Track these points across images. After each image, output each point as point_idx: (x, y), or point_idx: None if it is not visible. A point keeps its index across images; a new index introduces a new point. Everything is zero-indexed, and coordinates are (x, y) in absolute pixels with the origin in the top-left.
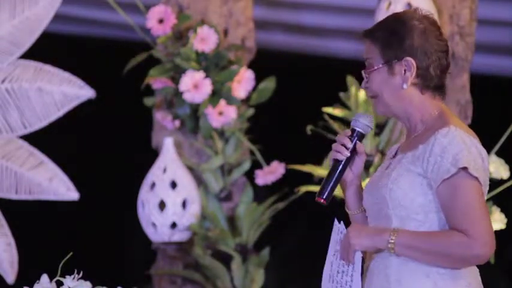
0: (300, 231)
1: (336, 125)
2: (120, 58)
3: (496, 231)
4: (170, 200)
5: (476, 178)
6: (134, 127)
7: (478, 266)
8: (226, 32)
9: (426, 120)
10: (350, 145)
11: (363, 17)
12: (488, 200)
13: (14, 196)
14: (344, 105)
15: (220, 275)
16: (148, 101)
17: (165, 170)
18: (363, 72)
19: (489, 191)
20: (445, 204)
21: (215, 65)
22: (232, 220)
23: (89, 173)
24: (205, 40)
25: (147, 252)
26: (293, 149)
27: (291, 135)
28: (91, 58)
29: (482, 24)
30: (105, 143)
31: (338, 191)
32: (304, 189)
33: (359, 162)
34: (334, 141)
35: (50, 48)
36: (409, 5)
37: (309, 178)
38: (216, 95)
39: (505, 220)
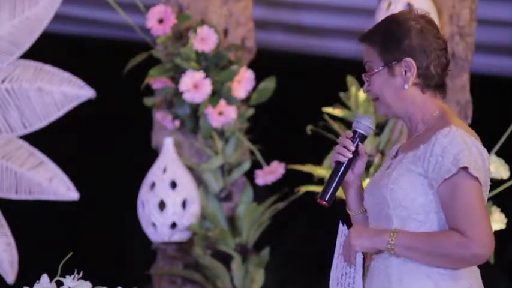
0: (300, 231)
1: (336, 125)
2: (120, 58)
3: (496, 231)
4: (170, 200)
5: (477, 178)
6: (134, 127)
7: (477, 266)
8: (226, 32)
9: (427, 120)
10: (352, 147)
11: (363, 17)
12: (488, 200)
13: (14, 196)
14: (344, 105)
15: (220, 275)
16: (148, 101)
17: (165, 170)
18: (363, 76)
19: (489, 191)
20: (445, 204)
21: (215, 65)
22: (232, 220)
23: (89, 173)
24: (205, 40)
25: (147, 252)
26: (293, 149)
27: (291, 135)
28: (91, 58)
29: (482, 24)
30: (105, 143)
31: (339, 192)
32: (304, 189)
33: (360, 164)
34: (334, 141)
35: (50, 48)
36: (409, 5)
37: (309, 178)
38: (216, 95)
39: (505, 220)
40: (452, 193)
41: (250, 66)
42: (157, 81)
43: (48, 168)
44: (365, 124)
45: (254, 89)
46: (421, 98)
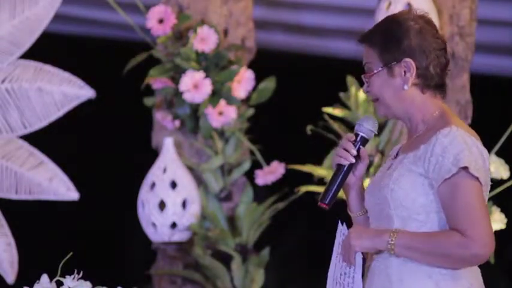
0: (300, 231)
1: (336, 125)
2: (120, 58)
3: (496, 231)
4: (170, 200)
5: (477, 178)
6: (134, 127)
7: (477, 266)
8: (226, 32)
9: (427, 120)
10: (354, 151)
11: (363, 17)
12: (488, 200)
13: (14, 196)
14: (344, 105)
15: (220, 275)
16: (148, 101)
17: (165, 170)
18: (363, 76)
19: (489, 191)
20: (446, 204)
21: (215, 65)
22: (232, 220)
23: (89, 173)
24: (205, 40)
25: (147, 252)
26: (293, 149)
27: (291, 135)
28: (91, 58)
29: (482, 24)
30: (105, 143)
31: (339, 192)
32: (304, 189)
33: (362, 166)
34: (334, 141)
35: (50, 48)
36: (409, 5)
37: (309, 178)
38: (216, 95)
39: (505, 220)
40: (453, 193)
41: (250, 66)
42: (157, 81)
43: (48, 168)
44: (367, 127)
45: (254, 89)
46: (420, 98)
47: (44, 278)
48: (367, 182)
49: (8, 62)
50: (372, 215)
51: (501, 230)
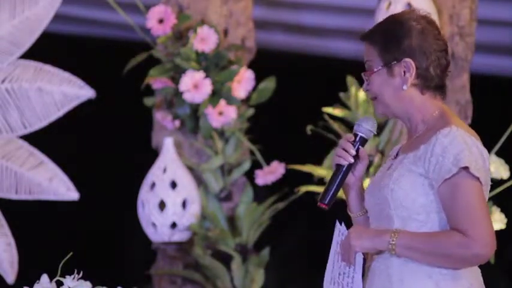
0: (300, 231)
1: (336, 125)
2: (120, 58)
3: (496, 231)
4: (170, 200)
5: (477, 178)
6: (134, 127)
7: (478, 266)
8: (226, 32)
9: (427, 120)
10: (353, 151)
11: (363, 17)
12: (488, 200)
13: (14, 196)
14: (344, 105)
15: (220, 275)
16: (148, 101)
17: (165, 170)
18: (363, 74)
19: (489, 191)
20: (446, 204)
21: (215, 65)
22: (232, 220)
23: (89, 173)
24: (205, 40)
25: (147, 252)
26: (293, 149)
27: (291, 135)
28: (91, 58)
29: (482, 24)
30: (105, 143)
31: (339, 193)
32: (304, 189)
33: (361, 167)
34: (334, 141)
35: (50, 48)
36: (409, 5)
37: (309, 178)
38: (216, 95)
39: (505, 220)
40: (453, 193)
41: (250, 66)
42: (157, 81)
43: (48, 168)
44: (366, 127)
45: (254, 89)
46: (420, 98)
47: (44, 278)
48: (367, 182)
49: (8, 62)
50: (372, 215)
51: (501, 230)
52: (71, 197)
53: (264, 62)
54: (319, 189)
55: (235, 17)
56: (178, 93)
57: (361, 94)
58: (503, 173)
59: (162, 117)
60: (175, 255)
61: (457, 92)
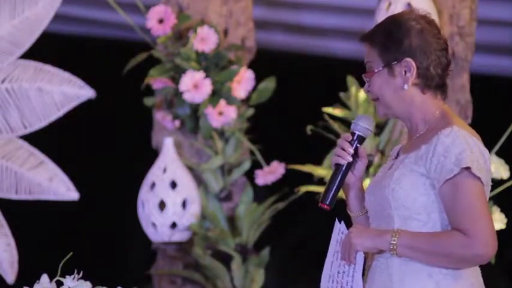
0: (300, 231)
1: (336, 125)
2: (120, 58)
3: (495, 231)
4: (170, 200)
5: (479, 178)
6: (134, 127)
7: (478, 266)
8: (226, 32)
9: (428, 120)
10: (351, 150)
11: (363, 17)
12: (488, 200)
13: (14, 196)
14: (344, 105)
15: (220, 275)
16: (148, 101)
17: (165, 170)
18: (363, 76)
19: (489, 191)
20: (448, 204)
21: (215, 65)
22: (232, 220)
23: (89, 173)
24: (205, 40)
25: (147, 252)
26: (293, 149)
27: (291, 135)
28: (91, 58)
29: (482, 24)
30: (105, 143)
31: (339, 193)
32: (304, 189)
33: (361, 166)
34: (334, 141)
35: (50, 48)
36: (409, 5)
37: (309, 178)
38: (216, 95)
39: (505, 220)
40: (454, 193)
41: (250, 66)
42: (157, 81)
43: (48, 168)
44: (363, 126)
45: (254, 89)
46: (421, 98)
47: (44, 278)
48: (367, 182)
49: (8, 62)
50: (372, 215)
51: (501, 230)
52: (71, 197)
53: (264, 62)
54: (319, 189)
55: (235, 17)
56: (178, 93)
57: (361, 94)
58: (504, 173)
59: (162, 117)
60: (175, 255)
61: (457, 91)
